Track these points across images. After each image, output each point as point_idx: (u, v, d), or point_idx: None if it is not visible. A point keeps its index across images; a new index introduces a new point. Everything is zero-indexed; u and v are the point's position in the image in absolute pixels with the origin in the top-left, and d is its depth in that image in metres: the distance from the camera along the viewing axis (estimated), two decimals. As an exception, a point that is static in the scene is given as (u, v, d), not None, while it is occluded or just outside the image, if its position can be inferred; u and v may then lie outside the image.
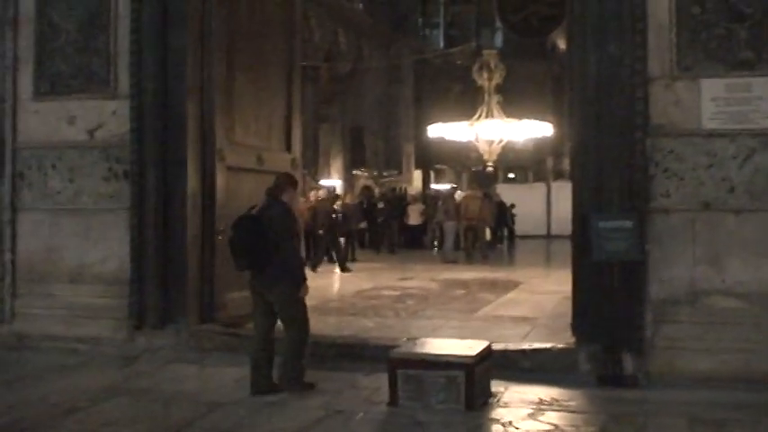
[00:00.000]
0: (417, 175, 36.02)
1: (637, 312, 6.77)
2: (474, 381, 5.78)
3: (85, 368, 7.27)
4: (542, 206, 28.25)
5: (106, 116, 8.16)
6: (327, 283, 13.68)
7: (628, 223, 6.60)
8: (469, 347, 6.17)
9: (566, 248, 19.44)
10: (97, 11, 8.17)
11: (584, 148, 7.10)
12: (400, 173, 33.74)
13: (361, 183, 30.51)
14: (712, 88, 6.74)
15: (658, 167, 6.81)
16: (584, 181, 7.06)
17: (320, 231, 16.08)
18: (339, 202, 18.39)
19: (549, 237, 26.84)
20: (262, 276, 6.29)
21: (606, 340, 6.79)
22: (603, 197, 6.87)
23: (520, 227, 24.95)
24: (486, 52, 19.84)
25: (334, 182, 28.32)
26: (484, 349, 6.11)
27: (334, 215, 16.79)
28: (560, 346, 7.19)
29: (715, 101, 6.73)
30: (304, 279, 6.37)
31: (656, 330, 6.79)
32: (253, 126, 8.83)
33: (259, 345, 6.45)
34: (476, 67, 19.06)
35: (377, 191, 29.42)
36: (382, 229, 21.13)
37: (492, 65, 18.78)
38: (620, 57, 6.84)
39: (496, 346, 6.74)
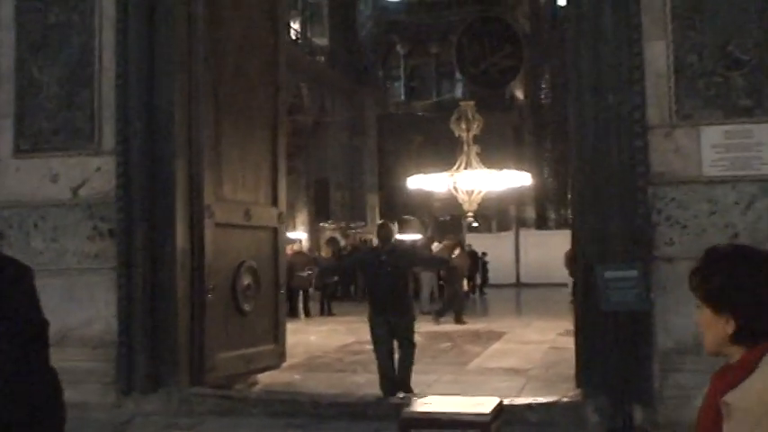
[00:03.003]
0: (382, 226, 35.87)
1: (644, 363, 6.67)
2: (490, 440, 5.59)
3: (75, 436, 6.91)
4: (511, 255, 28.34)
5: (90, 173, 7.92)
6: (307, 339, 13.40)
7: (633, 272, 6.51)
8: (480, 404, 5.97)
9: (538, 296, 19.50)
10: (80, 65, 7.96)
11: (584, 197, 7.05)
12: (366, 224, 33.62)
13: (327, 235, 30.33)
14: (712, 135, 6.74)
15: (661, 215, 6.77)
16: (587, 230, 7.00)
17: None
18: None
19: (518, 285, 26.91)
20: (397, 306, 7.91)
21: (614, 392, 6.66)
22: (607, 246, 6.80)
23: (490, 276, 24.92)
24: (463, 103, 19.95)
25: (299, 234, 28.10)
26: (496, 406, 5.92)
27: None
28: (566, 399, 7.05)
29: (715, 148, 6.73)
30: None
31: (664, 380, 6.68)
32: (240, 181, 8.67)
33: (389, 361, 7.90)
34: (453, 118, 19.13)
35: (342, 243, 29.26)
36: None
37: (470, 115, 18.87)
38: (619, 106, 6.83)
39: (504, 402, 6.57)
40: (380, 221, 9.11)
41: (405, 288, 8.26)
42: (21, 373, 1.95)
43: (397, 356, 8.06)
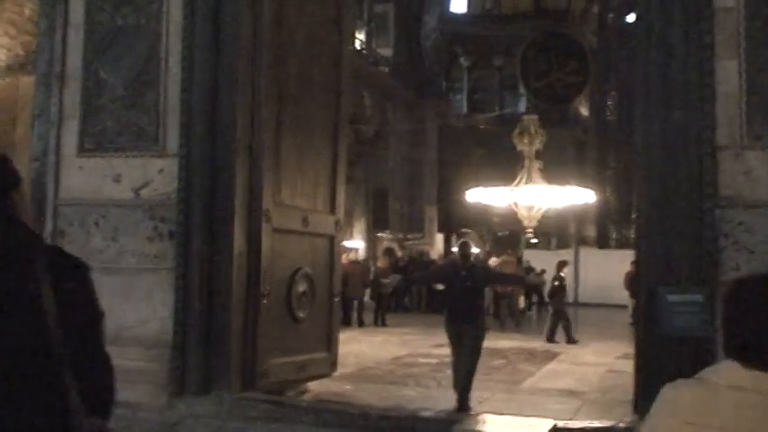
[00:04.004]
0: (439, 238, 35.78)
1: (705, 391, 6.44)
2: (543, 462, 5.47)
3: (125, 436, 6.94)
4: (570, 274, 27.95)
5: (153, 174, 8.00)
6: (360, 348, 13.34)
7: (698, 297, 6.33)
8: (534, 426, 5.87)
9: (596, 316, 19.17)
10: (146, 67, 8.06)
11: (650, 218, 6.86)
12: (423, 236, 33.51)
13: (384, 245, 30.29)
14: (783, 158, 6.52)
15: (728, 239, 6.56)
16: (651, 252, 6.81)
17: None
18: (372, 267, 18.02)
19: (576, 304, 26.51)
20: (471, 319, 8.38)
21: (672, 419, 6.44)
22: (671, 269, 6.61)
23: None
24: (526, 118, 19.75)
25: (356, 243, 28.12)
26: (551, 430, 5.80)
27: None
28: (623, 425, 6.84)
29: (787, 171, 6.50)
30: None
31: (725, 410, 6.44)
32: (299, 187, 8.66)
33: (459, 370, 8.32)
34: (516, 132, 18.95)
35: (400, 254, 29.19)
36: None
37: (533, 130, 18.67)
38: (686, 125, 6.65)
39: (558, 424, 6.43)
40: (462, 240, 10.09)
41: (480, 302, 8.92)
42: (80, 356, 2.19)
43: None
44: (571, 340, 14.91)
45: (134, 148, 8.03)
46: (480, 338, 8.50)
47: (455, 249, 35.08)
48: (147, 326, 7.83)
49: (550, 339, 15.03)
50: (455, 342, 8.48)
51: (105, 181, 8.10)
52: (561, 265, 15.78)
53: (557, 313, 15.27)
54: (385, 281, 12.39)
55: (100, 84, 8.20)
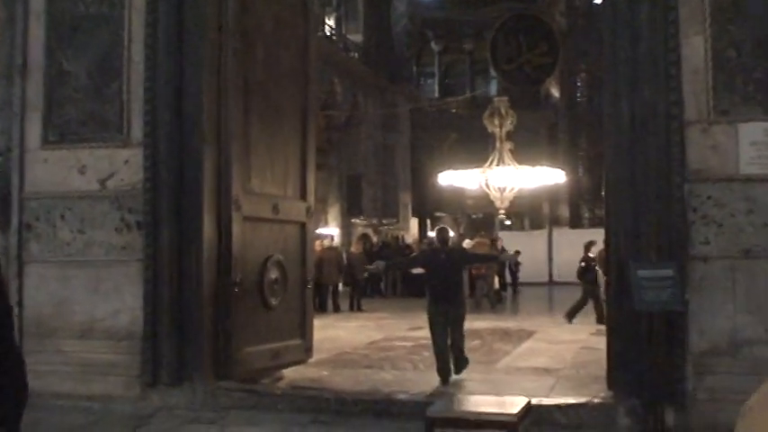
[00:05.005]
0: (414, 222, 35.81)
1: (678, 364, 6.50)
2: (517, 440, 5.45)
3: (98, 428, 6.88)
4: (544, 253, 28.11)
5: (118, 165, 7.89)
6: (336, 334, 13.32)
7: (668, 272, 6.33)
8: (509, 404, 5.86)
9: (570, 295, 19.26)
10: (109, 56, 7.93)
11: (619, 194, 6.88)
12: (398, 221, 33.51)
13: (359, 231, 30.26)
14: (751, 132, 6.55)
15: (696, 214, 6.59)
16: (621, 228, 6.83)
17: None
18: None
19: (551, 283, 26.68)
20: (453, 298, 8.91)
21: (646, 394, 6.49)
22: (641, 244, 6.64)
23: (522, 274, 24.70)
24: (496, 99, 19.76)
25: (331, 230, 28.07)
26: (524, 406, 5.79)
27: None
28: (597, 400, 6.89)
29: (754, 145, 6.53)
30: None
31: (698, 383, 6.51)
32: (269, 174, 8.59)
33: (445, 344, 8.79)
34: (487, 114, 18.94)
35: (375, 239, 29.17)
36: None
37: (503, 111, 18.67)
38: (655, 101, 6.66)
39: (533, 401, 6.42)
40: (440, 226, 10.56)
41: (460, 283, 9.43)
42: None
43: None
44: (601, 320, 14.49)
45: (99, 139, 7.91)
46: (463, 314, 9.15)
47: (430, 233, 35.21)
48: (118, 318, 7.75)
49: (569, 318, 14.76)
50: (439, 322, 8.87)
51: (71, 173, 7.99)
52: (589, 245, 15.11)
53: (586, 294, 14.87)
54: (369, 267, 12.41)
55: (63, 74, 8.07)
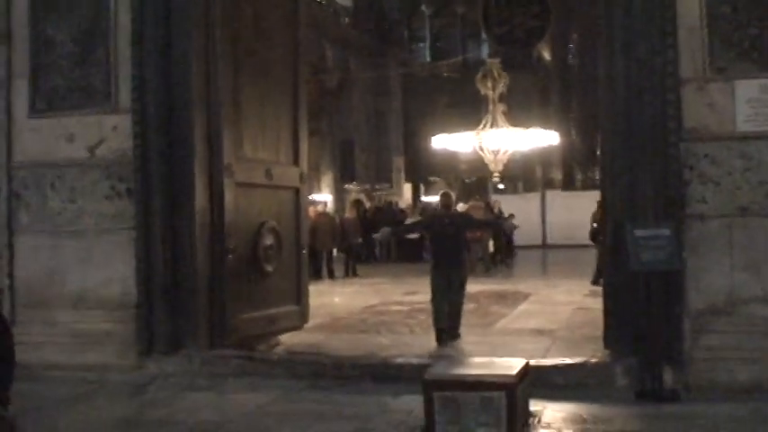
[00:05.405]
0: (407, 187, 35.75)
1: (675, 323, 6.48)
2: (516, 402, 5.42)
3: (96, 398, 6.82)
4: (537, 216, 28.12)
5: (107, 132, 7.78)
6: (331, 299, 13.31)
7: (665, 231, 6.29)
8: (506, 366, 5.83)
9: (564, 257, 19.30)
10: (94, 21, 7.79)
11: (615, 154, 6.82)
12: (391, 186, 33.45)
13: (352, 197, 30.18)
14: (747, 90, 6.48)
15: (693, 172, 6.54)
16: (617, 188, 6.78)
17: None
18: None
19: (545, 246, 26.74)
20: (455, 262, 9.14)
21: (643, 353, 6.47)
22: (637, 204, 6.59)
23: (516, 237, 24.71)
24: (489, 61, 19.57)
25: (324, 196, 27.98)
26: (522, 368, 5.76)
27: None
28: (594, 360, 6.89)
29: (750, 102, 6.46)
30: None
31: (695, 341, 6.50)
32: (260, 139, 8.48)
33: (444, 306, 8.94)
34: (479, 76, 18.77)
35: (368, 204, 29.10)
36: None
37: (495, 73, 18.51)
38: (650, 59, 6.57)
39: (531, 362, 6.40)
40: (444, 191, 10.38)
41: (462, 247, 9.66)
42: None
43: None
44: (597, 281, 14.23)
45: (86, 106, 7.79)
46: (465, 277, 9.44)
47: (424, 198, 35.18)
48: (111, 287, 7.69)
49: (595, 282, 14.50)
50: (443, 284, 9.03)
51: (59, 141, 7.88)
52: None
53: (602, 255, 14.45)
54: (376, 235, 12.39)
55: (48, 41, 7.93)
